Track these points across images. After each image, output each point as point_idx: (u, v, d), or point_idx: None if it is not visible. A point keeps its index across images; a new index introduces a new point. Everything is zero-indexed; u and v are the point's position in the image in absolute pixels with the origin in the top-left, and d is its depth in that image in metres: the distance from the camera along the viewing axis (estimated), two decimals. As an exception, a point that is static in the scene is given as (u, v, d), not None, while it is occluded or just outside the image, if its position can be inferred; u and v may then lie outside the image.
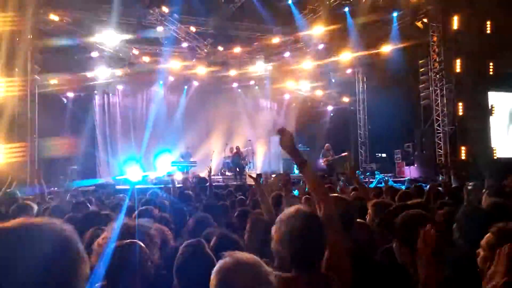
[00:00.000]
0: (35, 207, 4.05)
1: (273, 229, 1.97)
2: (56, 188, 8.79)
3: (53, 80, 14.40)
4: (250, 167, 16.87)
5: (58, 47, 13.34)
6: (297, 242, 1.87)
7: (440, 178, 12.28)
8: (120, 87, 17.74)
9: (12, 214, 3.58)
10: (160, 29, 14.87)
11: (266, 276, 1.42)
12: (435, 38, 15.14)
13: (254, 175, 3.79)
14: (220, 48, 16.65)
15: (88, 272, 0.89)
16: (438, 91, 15.20)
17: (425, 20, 15.17)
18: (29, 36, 11.37)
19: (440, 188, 6.16)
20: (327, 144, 16.15)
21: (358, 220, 2.98)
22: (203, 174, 16.39)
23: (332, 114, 20.92)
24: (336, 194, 4.08)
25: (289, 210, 1.99)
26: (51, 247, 0.83)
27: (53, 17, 12.81)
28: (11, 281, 0.77)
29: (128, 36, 14.89)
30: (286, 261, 1.90)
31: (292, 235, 1.88)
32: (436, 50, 15.09)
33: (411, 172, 15.27)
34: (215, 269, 1.44)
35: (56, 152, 12.95)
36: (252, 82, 19.76)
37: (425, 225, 2.00)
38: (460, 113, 14.51)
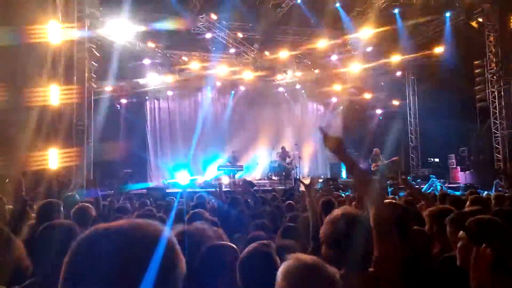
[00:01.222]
0: (94, 210, 4.23)
1: (321, 230, 2.03)
2: (111, 191, 9.15)
3: (108, 87, 15.04)
4: (296, 172, 16.78)
5: (112, 55, 13.93)
6: (342, 242, 1.91)
7: (494, 183, 11.65)
8: (170, 93, 18.25)
9: (74, 216, 3.77)
10: (208, 35, 15.21)
11: (331, 277, 1.43)
12: (492, 38, 14.46)
13: (306, 181, 3.78)
14: (267, 53, 16.76)
15: (185, 271, 0.92)
16: (496, 92, 14.49)
17: (480, 19, 14.55)
18: (86, 46, 11.98)
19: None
20: (376, 149, 15.78)
21: (415, 227, 2.90)
22: (250, 178, 16.57)
23: (381, 118, 20.45)
24: (389, 200, 3.99)
25: (335, 212, 2.05)
26: (158, 247, 0.87)
27: (109, 26, 13.39)
28: (121, 280, 0.82)
29: (178, 43, 15.35)
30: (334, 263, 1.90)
31: (337, 236, 1.93)
32: (493, 50, 14.40)
33: (466, 178, 14.62)
34: (280, 271, 1.47)
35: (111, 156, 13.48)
36: (298, 86, 19.71)
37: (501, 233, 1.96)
38: (520, 116, 13.79)
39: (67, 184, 9.90)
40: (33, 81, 9.15)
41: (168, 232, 0.91)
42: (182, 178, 15.76)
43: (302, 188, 8.48)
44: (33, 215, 3.85)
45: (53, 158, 9.47)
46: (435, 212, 3.03)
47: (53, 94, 9.45)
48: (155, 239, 0.88)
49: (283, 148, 16.95)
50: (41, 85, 9.25)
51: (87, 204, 4.18)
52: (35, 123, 8.73)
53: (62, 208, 3.76)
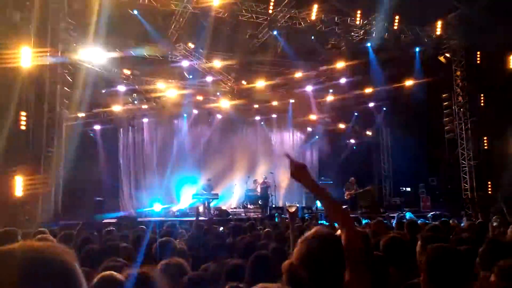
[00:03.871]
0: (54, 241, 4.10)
1: (295, 250, 2.00)
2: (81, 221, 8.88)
3: (81, 114, 14.83)
4: (272, 200, 16.72)
5: (86, 81, 13.78)
6: (315, 262, 1.88)
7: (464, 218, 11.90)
8: (145, 120, 18.12)
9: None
10: (185, 63, 15.27)
11: None
12: (458, 73, 15.08)
13: (293, 209, 3.70)
14: (244, 82, 16.93)
15: None
16: (463, 125, 15.00)
17: (447, 54, 15.16)
18: (59, 71, 11.85)
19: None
20: (352, 178, 15.98)
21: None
22: (225, 207, 16.43)
23: (355, 147, 20.76)
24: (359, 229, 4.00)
25: (309, 232, 2.03)
26: (51, 272, 0.84)
27: (83, 52, 13.30)
28: None
29: (154, 70, 15.36)
30: (306, 283, 1.88)
31: (310, 255, 1.89)
32: (460, 84, 14.99)
33: (436, 207, 14.88)
34: None
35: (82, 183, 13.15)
36: (274, 116, 19.92)
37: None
38: (485, 147, 14.24)
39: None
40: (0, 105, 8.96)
41: (69, 256, 0.89)
42: (156, 207, 15.52)
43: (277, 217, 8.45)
44: None
45: (19, 185, 9.17)
46: (387, 241, 3.03)
47: (22, 120, 9.25)
48: (48, 262, 0.86)
49: (265, 177, 16.95)
50: (9, 109, 9.06)
51: (46, 235, 4.04)
52: (2, 149, 8.50)
53: (19, 237, 3.62)
